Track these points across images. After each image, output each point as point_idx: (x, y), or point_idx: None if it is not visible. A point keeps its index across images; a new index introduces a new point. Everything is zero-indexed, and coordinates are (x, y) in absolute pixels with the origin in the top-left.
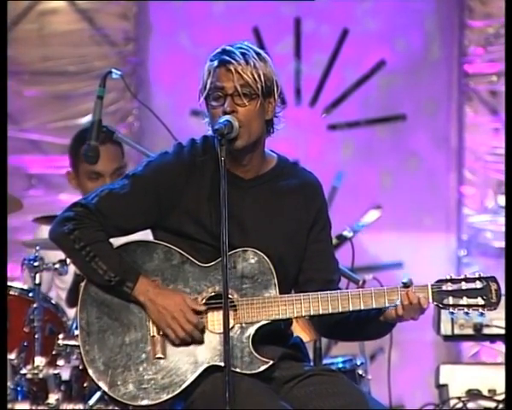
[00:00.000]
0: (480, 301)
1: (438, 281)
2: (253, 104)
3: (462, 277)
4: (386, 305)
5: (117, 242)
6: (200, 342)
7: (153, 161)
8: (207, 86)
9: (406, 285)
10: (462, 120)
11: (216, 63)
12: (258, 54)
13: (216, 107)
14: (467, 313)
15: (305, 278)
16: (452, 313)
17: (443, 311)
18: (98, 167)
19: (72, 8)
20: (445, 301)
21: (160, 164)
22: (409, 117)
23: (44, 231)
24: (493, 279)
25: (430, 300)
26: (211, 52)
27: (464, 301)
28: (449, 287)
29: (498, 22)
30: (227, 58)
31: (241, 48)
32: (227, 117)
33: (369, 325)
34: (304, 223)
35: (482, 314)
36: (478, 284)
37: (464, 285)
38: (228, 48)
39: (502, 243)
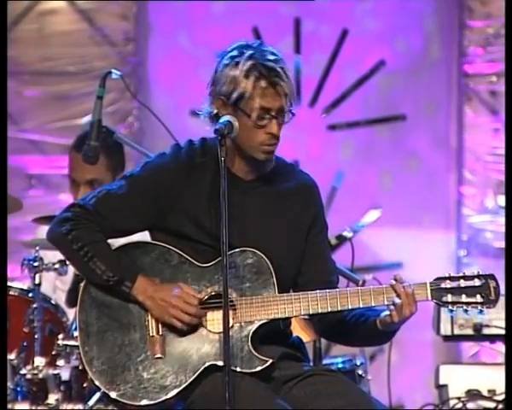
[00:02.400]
0: (478, 298)
1: (436, 279)
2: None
3: (461, 274)
4: (385, 303)
5: (116, 243)
6: (204, 325)
7: (150, 161)
8: (256, 106)
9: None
10: (462, 120)
11: (264, 83)
12: (284, 62)
13: (260, 126)
14: (466, 311)
15: (304, 280)
16: (451, 310)
17: (442, 309)
18: (73, 174)
19: (72, 8)
20: (444, 299)
21: (158, 165)
22: (409, 117)
23: (44, 231)
24: (492, 277)
25: (429, 297)
26: (211, 52)
27: (463, 298)
28: (447, 285)
29: (498, 22)
30: (277, 80)
31: (277, 60)
32: (228, 117)
33: (367, 330)
34: (302, 225)
35: (481, 312)
36: (476, 282)
37: (463, 283)
38: (270, 64)
39: (502, 244)
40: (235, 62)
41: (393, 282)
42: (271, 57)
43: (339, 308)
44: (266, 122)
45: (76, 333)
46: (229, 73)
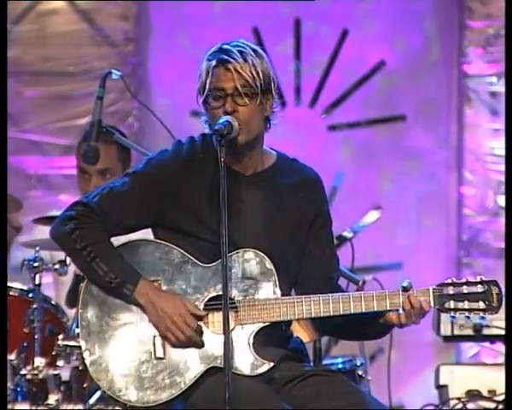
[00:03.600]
0: (481, 305)
1: (439, 284)
2: (253, 103)
3: (464, 280)
4: (388, 308)
5: (118, 241)
6: (200, 346)
7: (152, 158)
8: (207, 87)
9: (406, 289)
10: (462, 120)
11: (214, 63)
12: (254, 51)
13: (216, 107)
14: (468, 317)
15: (304, 276)
16: (454, 316)
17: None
18: (83, 164)
19: (72, 8)
20: (447, 305)
21: (160, 161)
22: (409, 117)
23: (43, 231)
24: (495, 283)
25: (432, 303)
26: None
27: (465, 304)
28: (450, 291)
29: (498, 23)
30: (225, 57)
31: (237, 46)
32: (226, 117)
33: (368, 325)
34: (304, 220)
35: (483, 318)
36: (479, 288)
37: (466, 289)
38: (225, 46)
39: (502, 244)
40: (202, 58)
41: (401, 291)
42: (233, 43)
43: (341, 312)
44: (223, 102)
45: (77, 330)
46: (199, 70)
